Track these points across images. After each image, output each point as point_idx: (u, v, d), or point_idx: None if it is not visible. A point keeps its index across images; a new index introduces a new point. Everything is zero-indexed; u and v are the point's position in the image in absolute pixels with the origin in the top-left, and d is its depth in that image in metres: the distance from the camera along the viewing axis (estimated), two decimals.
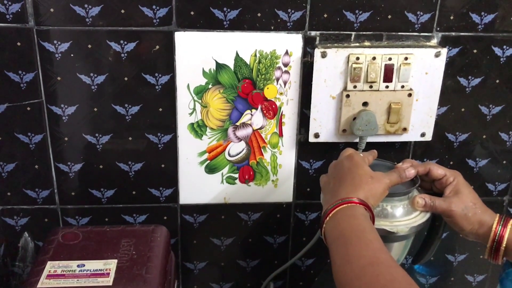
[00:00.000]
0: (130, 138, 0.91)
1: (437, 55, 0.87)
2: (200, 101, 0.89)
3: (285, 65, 0.88)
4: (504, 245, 0.73)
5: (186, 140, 0.91)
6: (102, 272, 0.75)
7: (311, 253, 0.99)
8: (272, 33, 0.86)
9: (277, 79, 0.89)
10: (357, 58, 0.85)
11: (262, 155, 0.94)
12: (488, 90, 0.93)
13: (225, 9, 0.83)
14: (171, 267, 0.85)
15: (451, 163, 0.99)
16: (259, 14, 0.84)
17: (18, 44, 0.82)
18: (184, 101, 0.89)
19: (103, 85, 0.86)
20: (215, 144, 0.92)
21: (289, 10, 0.84)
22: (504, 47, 0.90)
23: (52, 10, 0.81)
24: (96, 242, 0.82)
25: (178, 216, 0.97)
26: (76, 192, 0.94)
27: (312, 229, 1.01)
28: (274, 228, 1.01)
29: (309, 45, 0.87)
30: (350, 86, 0.87)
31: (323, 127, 0.90)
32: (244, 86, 0.89)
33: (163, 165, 0.93)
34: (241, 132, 0.92)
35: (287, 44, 0.87)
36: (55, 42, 0.83)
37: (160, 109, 0.89)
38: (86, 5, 0.81)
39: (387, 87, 0.87)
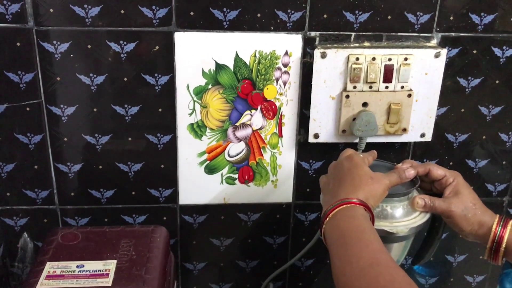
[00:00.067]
0: (129, 139, 0.91)
1: (437, 55, 0.87)
2: (199, 101, 0.89)
3: (285, 65, 0.88)
4: (503, 246, 0.73)
5: (186, 140, 0.91)
6: (101, 272, 0.75)
7: (310, 253, 0.99)
8: (272, 33, 0.86)
9: (277, 80, 0.89)
10: (357, 59, 0.85)
11: (262, 155, 0.94)
12: (487, 91, 0.93)
13: (224, 9, 0.83)
14: (171, 268, 0.85)
15: (451, 163, 0.99)
16: (258, 15, 0.84)
17: (18, 44, 0.82)
18: (183, 101, 0.89)
19: (102, 86, 0.86)
20: (215, 145, 0.92)
21: (289, 11, 0.84)
22: (504, 47, 0.90)
23: (51, 10, 0.81)
24: (95, 242, 0.81)
25: (178, 216, 0.97)
26: (76, 192, 0.93)
27: (312, 230, 1.01)
28: (274, 229, 1.01)
29: (308, 46, 0.87)
30: (349, 86, 0.87)
31: (322, 128, 0.90)
32: (243, 87, 0.89)
33: (162, 166, 0.93)
34: (241, 133, 0.92)
35: (286, 45, 0.87)
36: (54, 42, 0.83)
37: (160, 110, 0.89)
38: (85, 5, 0.81)
39: (386, 87, 0.87)
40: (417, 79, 0.88)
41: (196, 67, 0.86)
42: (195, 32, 0.84)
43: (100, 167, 0.92)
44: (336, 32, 0.87)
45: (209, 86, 0.88)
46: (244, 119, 0.91)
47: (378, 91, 0.87)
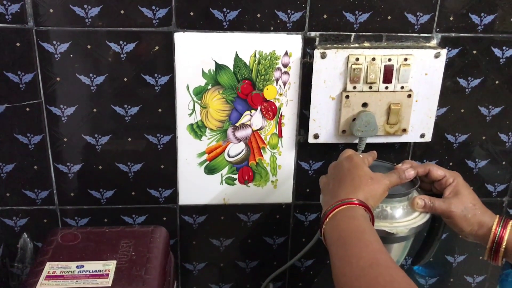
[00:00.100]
0: (129, 139, 0.90)
1: (437, 56, 0.87)
2: (199, 101, 0.89)
3: (285, 65, 0.88)
4: (503, 247, 0.73)
5: (186, 140, 0.91)
6: (101, 273, 0.75)
7: (310, 254, 0.99)
8: (272, 33, 0.86)
9: (277, 80, 0.89)
10: (357, 59, 0.85)
11: (262, 156, 0.94)
12: (487, 91, 0.93)
13: (224, 9, 0.83)
14: (171, 268, 0.85)
15: (451, 164, 0.99)
16: (258, 15, 0.84)
17: (18, 44, 0.82)
18: (183, 101, 0.88)
19: (102, 86, 0.86)
20: (215, 145, 0.92)
21: (289, 11, 0.84)
22: (504, 48, 0.90)
23: (51, 10, 0.81)
24: (95, 243, 0.81)
25: (178, 217, 0.97)
26: (75, 193, 0.93)
27: (312, 230, 1.01)
28: (274, 229, 1.01)
29: (308, 46, 0.87)
30: (349, 87, 0.87)
31: (322, 128, 0.90)
32: (243, 87, 0.89)
33: (162, 166, 0.93)
34: (241, 133, 0.92)
35: (286, 45, 0.87)
36: (54, 42, 0.82)
37: (160, 110, 0.89)
38: (85, 6, 0.81)
39: (386, 88, 0.87)
40: (417, 79, 0.88)
41: (196, 67, 0.86)
42: (195, 33, 0.84)
43: (100, 167, 0.92)
44: (336, 33, 0.87)
45: (209, 87, 0.88)
46: (244, 119, 0.91)
47: (378, 91, 0.87)
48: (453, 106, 0.94)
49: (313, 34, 0.86)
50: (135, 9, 0.82)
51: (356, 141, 0.91)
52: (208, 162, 0.93)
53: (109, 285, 0.73)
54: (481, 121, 0.96)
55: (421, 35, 0.88)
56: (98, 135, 0.89)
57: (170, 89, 0.87)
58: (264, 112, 0.91)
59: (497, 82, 0.93)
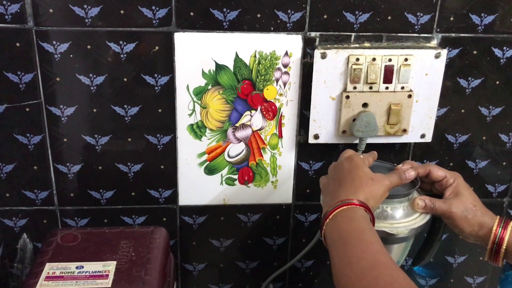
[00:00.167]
0: (129, 139, 0.90)
1: (437, 56, 0.87)
2: (199, 102, 0.89)
3: (285, 66, 0.88)
4: (504, 247, 0.73)
5: (186, 141, 0.91)
6: (101, 273, 0.75)
7: (310, 254, 0.99)
8: (272, 34, 0.85)
9: (277, 80, 0.89)
10: (357, 59, 0.85)
11: (262, 156, 0.94)
12: (488, 91, 0.93)
13: (224, 10, 0.83)
14: (170, 269, 0.85)
15: (451, 164, 0.98)
16: (258, 15, 0.84)
17: (17, 44, 0.82)
18: (183, 102, 0.88)
19: (102, 86, 0.86)
20: (215, 145, 0.92)
21: (289, 11, 0.84)
22: (504, 48, 0.90)
23: (51, 10, 0.80)
24: (95, 243, 0.81)
25: (177, 217, 0.97)
26: (75, 193, 0.93)
27: (312, 231, 1.01)
28: (274, 230, 1.01)
29: (309, 46, 0.87)
30: (350, 87, 0.87)
31: (322, 128, 0.90)
32: (243, 87, 0.88)
33: (162, 166, 0.93)
34: (241, 133, 0.92)
35: (286, 45, 0.86)
36: (54, 42, 0.82)
37: (160, 110, 0.89)
38: (85, 6, 0.81)
39: (387, 88, 0.87)
40: (417, 79, 0.88)
41: (196, 67, 0.86)
42: (195, 33, 0.84)
43: (100, 167, 0.92)
44: (336, 33, 0.87)
45: (209, 87, 0.88)
46: (244, 119, 0.91)
47: (378, 91, 0.87)
48: (453, 106, 0.94)
49: (313, 34, 0.86)
50: (135, 9, 0.82)
51: (356, 141, 0.90)
52: (208, 162, 0.93)
53: (109, 285, 0.73)
54: (482, 122, 0.96)
55: (422, 35, 0.88)
56: (98, 136, 0.89)
57: (170, 89, 0.87)
58: (264, 113, 0.91)
59: (497, 82, 0.93)
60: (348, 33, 0.87)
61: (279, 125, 0.92)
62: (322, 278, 1.06)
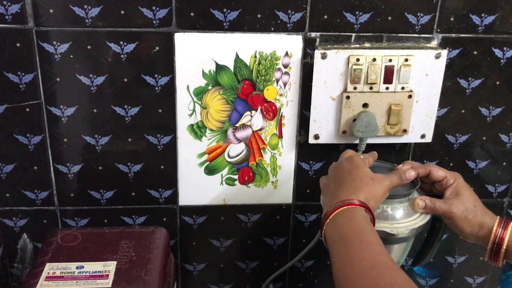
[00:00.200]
0: (129, 139, 0.90)
1: (437, 56, 0.87)
2: (199, 102, 0.89)
3: (285, 66, 0.88)
4: (504, 248, 0.73)
5: (186, 141, 0.91)
6: (101, 274, 0.75)
7: (310, 255, 0.99)
8: (272, 34, 0.85)
9: (277, 81, 0.89)
10: (357, 60, 0.85)
11: (262, 156, 0.94)
12: (488, 92, 0.93)
13: (225, 10, 0.83)
14: (171, 269, 0.85)
15: (451, 164, 0.98)
16: (259, 15, 0.84)
17: (18, 45, 0.82)
18: (183, 102, 0.88)
19: (102, 86, 0.86)
20: (215, 146, 0.92)
21: (289, 11, 0.84)
22: (505, 48, 0.90)
23: (51, 11, 0.80)
24: (95, 243, 0.81)
25: (178, 217, 0.97)
26: (75, 193, 0.93)
27: (312, 231, 1.01)
28: (274, 230, 1.01)
29: (309, 46, 0.87)
30: (350, 87, 0.87)
31: (323, 129, 0.90)
32: (244, 87, 0.88)
33: (162, 167, 0.93)
34: (241, 134, 0.92)
35: (287, 45, 0.86)
36: (54, 43, 0.82)
37: (160, 110, 0.89)
38: (85, 6, 0.81)
39: (387, 88, 0.87)
40: (417, 80, 0.88)
41: (196, 68, 0.86)
42: (195, 33, 0.84)
43: (100, 168, 0.92)
44: (336, 33, 0.86)
45: (209, 87, 0.88)
46: (244, 120, 0.91)
47: (378, 92, 0.87)
48: (453, 106, 0.94)
49: (313, 34, 0.86)
50: (135, 9, 0.82)
51: (357, 141, 0.90)
52: (208, 162, 0.93)
53: (109, 286, 0.73)
54: (482, 122, 0.96)
55: (422, 35, 0.88)
56: (98, 136, 0.89)
57: (170, 90, 0.87)
58: (265, 113, 0.91)
59: (497, 82, 0.93)
60: (349, 34, 0.87)
61: (279, 126, 0.92)
62: (322, 278, 1.06)
